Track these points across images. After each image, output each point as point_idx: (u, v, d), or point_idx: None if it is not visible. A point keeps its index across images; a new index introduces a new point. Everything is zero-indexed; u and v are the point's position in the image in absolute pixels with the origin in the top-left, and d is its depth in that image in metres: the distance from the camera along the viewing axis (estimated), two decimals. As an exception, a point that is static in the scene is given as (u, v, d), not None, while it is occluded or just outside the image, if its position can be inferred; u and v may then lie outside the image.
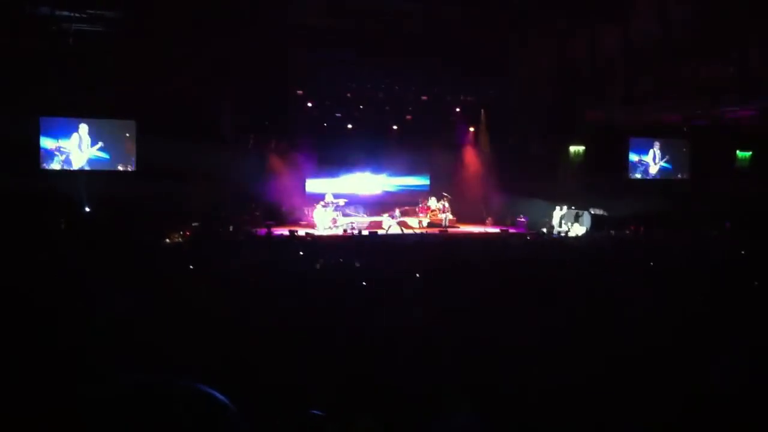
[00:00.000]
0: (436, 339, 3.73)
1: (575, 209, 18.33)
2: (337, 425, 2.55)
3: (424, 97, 19.97)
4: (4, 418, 1.00)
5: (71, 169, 16.63)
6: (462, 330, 3.90)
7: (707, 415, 2.77)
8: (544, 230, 17.97)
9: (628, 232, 16.99)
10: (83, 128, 16.75)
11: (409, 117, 20.32)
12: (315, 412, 2.45)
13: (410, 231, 17.92)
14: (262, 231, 15.47)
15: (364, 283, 6.12)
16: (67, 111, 16.46)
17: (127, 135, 16.90)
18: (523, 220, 18.93)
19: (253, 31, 14.99)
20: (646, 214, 17.02)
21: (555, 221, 18.46)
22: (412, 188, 21.18)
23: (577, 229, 17.78)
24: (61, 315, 4.48)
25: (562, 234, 17.67)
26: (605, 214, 18.10)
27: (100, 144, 16.77)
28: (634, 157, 20.63)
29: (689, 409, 2.79)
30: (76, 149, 16.69)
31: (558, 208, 18.56)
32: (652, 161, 20.84)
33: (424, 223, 19.26)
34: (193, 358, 3.07)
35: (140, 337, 3.74)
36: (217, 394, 1.05)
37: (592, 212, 18.09)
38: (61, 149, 16.58)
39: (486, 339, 3.65)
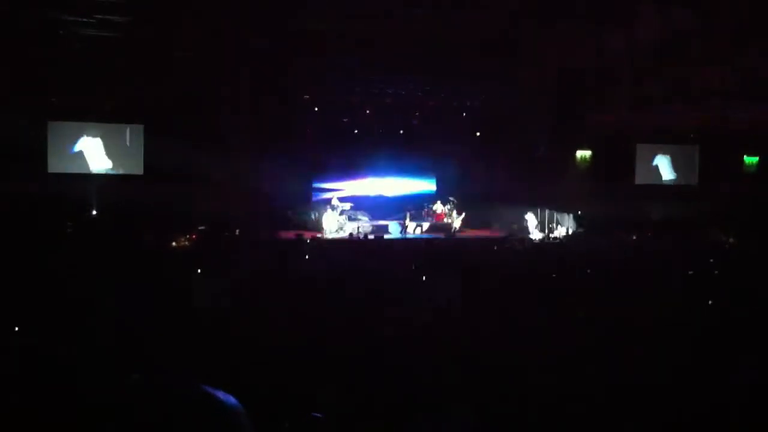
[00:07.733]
0: (438, 342, 3.73)
1: (555, 212, 18.29)
2: (337, 428, 2.56)
3: (430, 102, 19.98)
4: (7, 419, 1.01)
5: (79, 173, 16.73)
6: (464, 332, 3.91)
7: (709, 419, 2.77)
8: (552, 235, 17.91)
9: (635, 237, 16.91)
10: (90, 132, 16.85)
11: (415, 122, 20.32)
12: (316, 414, 2.46)
13: (414, 235, 17.91)
14: (269, 234, 15.48)
15: (366, 288, 6.13)
16: (75, 116, 16.56)
17: (135, 139, 17.01)
18: (526, 226, 18.88)
19: (260, 36, 15.04)
20: (654, 219, 16.97)
21: (531, 225, 18.34)
22: (418, 192, 21.13)
23: (560, 232, 17.72)
24: (66, 317, 4.52)
25: (549, 239, 17.56)
26: (581, 215, 18.00)
27: (107, 149, 16.90)
28: (641, 162, 20.57)
29: (688, 414, 2.79)
30: (83, 153, 16.79)
31: (531, 212, 18.47)
32: (659, 166, 20.78)
33: (428, 227, 19.18)
34: (195, 360, 3.09)
35: (145, 338, 3.76)
36: (224, 395, 1.04)
37: (577, 215, 18.00)
38: (69, 153, 16.69)
39: (487, 342, 3.66)
